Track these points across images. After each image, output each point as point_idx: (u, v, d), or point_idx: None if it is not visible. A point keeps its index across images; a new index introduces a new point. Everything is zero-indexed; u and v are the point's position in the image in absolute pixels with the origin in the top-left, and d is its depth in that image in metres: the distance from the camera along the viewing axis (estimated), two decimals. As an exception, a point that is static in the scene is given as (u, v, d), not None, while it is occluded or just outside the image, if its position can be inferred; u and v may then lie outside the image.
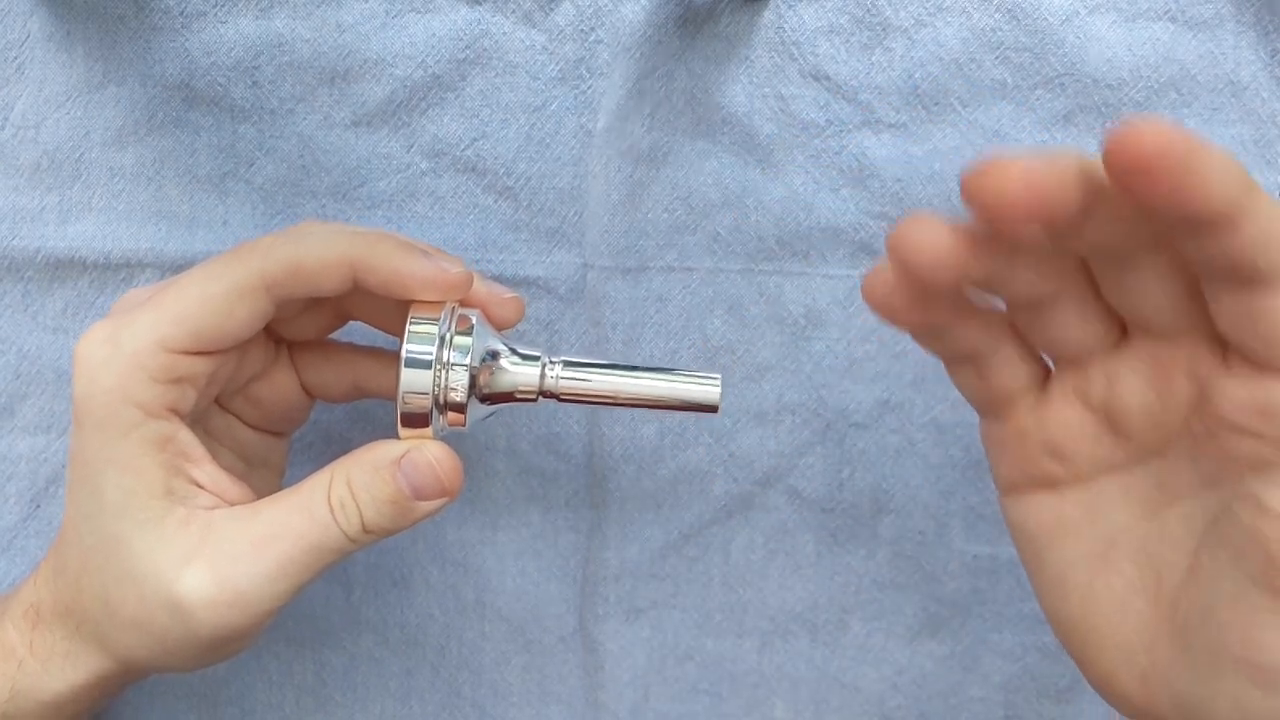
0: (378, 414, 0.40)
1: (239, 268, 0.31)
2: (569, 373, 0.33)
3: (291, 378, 0.36)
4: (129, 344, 0.31)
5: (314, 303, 0.35)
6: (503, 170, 0.40)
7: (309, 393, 0.37)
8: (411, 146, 0.40)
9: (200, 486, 0.32)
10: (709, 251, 0.41)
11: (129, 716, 0.42)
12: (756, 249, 0.40)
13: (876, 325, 0.41)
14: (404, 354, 0.31)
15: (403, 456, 0.32)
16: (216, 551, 0.31)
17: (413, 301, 0.32)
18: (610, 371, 0.33)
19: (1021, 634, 0.42)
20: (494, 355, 0.33)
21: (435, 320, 0.32)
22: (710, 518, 0.41)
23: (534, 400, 0.33)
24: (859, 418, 0.41)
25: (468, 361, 0.32)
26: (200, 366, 0.32)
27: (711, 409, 0.33)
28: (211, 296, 0.31)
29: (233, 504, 0.32)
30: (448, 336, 0.32)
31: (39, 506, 0.40)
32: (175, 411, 0.32)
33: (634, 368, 0.34)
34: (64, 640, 0.33)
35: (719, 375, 0.34)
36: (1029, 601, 0.42)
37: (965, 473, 0.41)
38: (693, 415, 0.40)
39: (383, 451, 0.32)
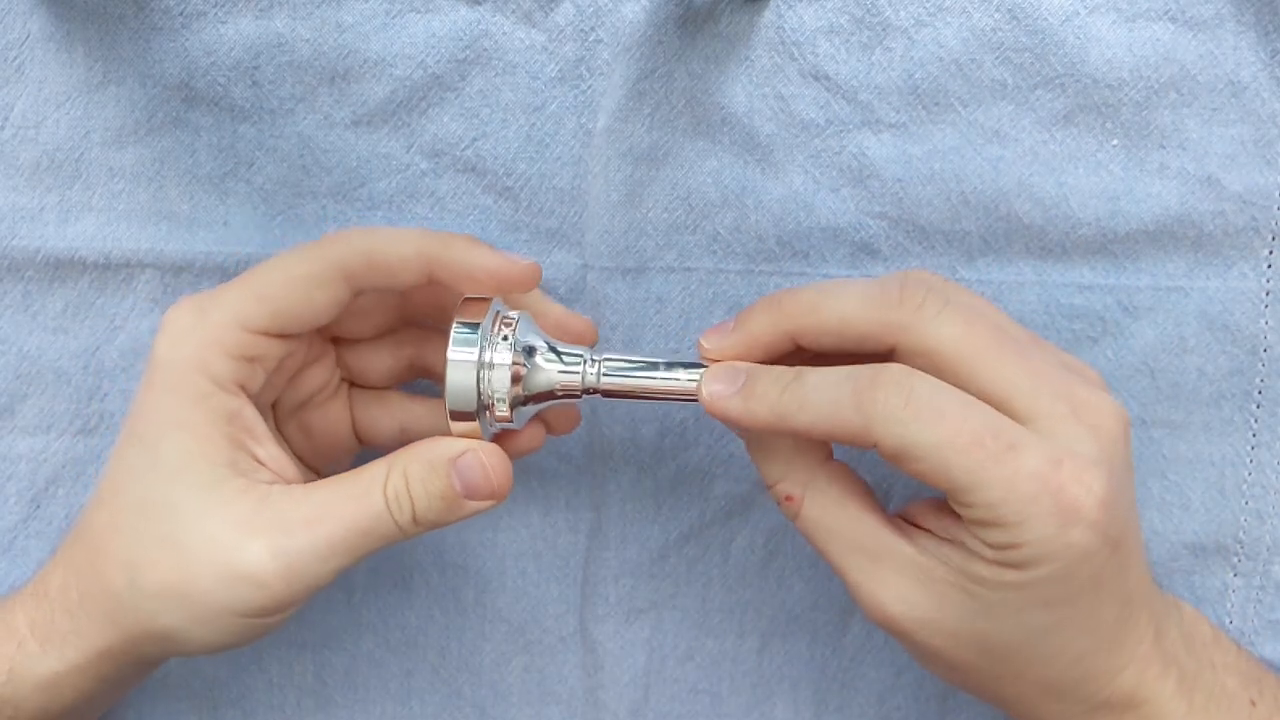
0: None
1: (322, 256, 0.33)
2: (610, 370, 0.34)
3: (345, 413, 0.38)
4: (213, 316, 0.33)
5: (380, 298, 0.37)
6: (503, 170, 0.40)
7: (358, 436, 0.38)
8: (411, 146, 0.40)
9: (261, 463, 0.34)
10: (709, 252, 0.41)
11: (130, 718, 0.42)
12: (756, 249, 0.40)
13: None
14: (449, 355, 0.32)
15: (458, 456, 0.33)
16: (272, 525, 0.32)
17: (461, 300, 0.34)
18: (650, 368, 0.35)
19: (1021, 634, 0.42)
20: (532, 352, 0.34)
21: (479, 322, 0.33)
22: (710, 518, 0.41)
23: (578, 397, 0.35)
24: (859, 418, 0.41)
25: (510, 361, 0.33)
26: (274, 349, 0.34)
27: None
28: (293, 280, 0.33)
29: (272, 469, 0.34)
30: (491, 337, 0.33)
31: (39, 506, 0.40)
32: (244, 389, 0.34)
33: (671, 363, 0.35)
34: (65, 617, 0.33)
35: None
36: (1029, 601, 0.42)
37: (965, 473, 0.41)
38: (692, 416, 0.41)
39: (440, 449, 0.33)
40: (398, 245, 0.34)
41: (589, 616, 0.41)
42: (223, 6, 0.38)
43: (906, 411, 0.30)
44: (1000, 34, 0.39)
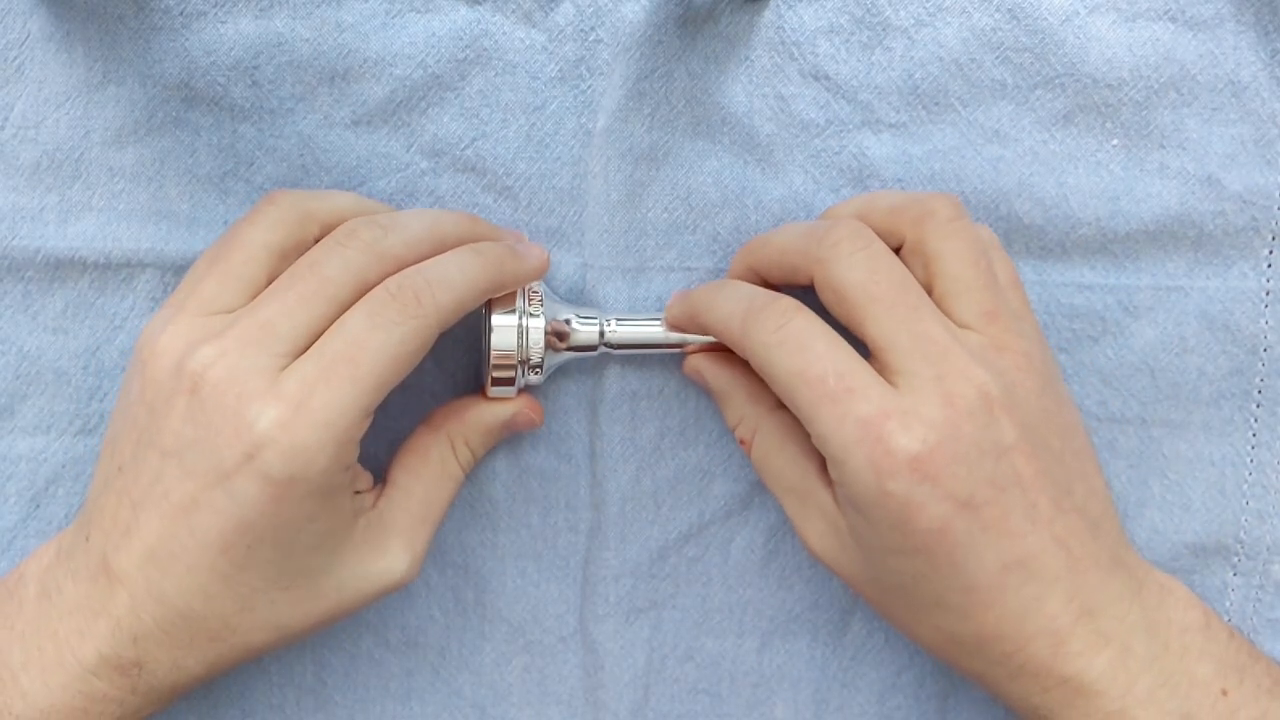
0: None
1: (423, 326, 0.33)
2: (623, 326, 0.39)
3: None
4: (339, 421, 0.32)
5: None
6: (502, 170, 0.40)
7: None
8: (411, 146, 0.39)
9: (360, 492, 0.36)
10: (709, 251, 0.41)
11: (129, 717, 0.42)
12: (756, 249, 0.40)
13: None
14: (492, 324, 0.37)
15: (510, 419, 0.39)
16: (396, 538, 0.36)
17: None
18: (655, 323, 0.39)
19: (1021, 634, 0.42)
20: (564, 319, 0.38)
21: (513, 295, 0.37)
22: (710, 518, 0.41)
23: (594, 351, 0.39)
24: (859, 418, 0.41)
25: (544, 326, 0.37)
26: None
27: None
28: (400, 358, 0.33)
29: (368, 490, 0.36)
30: (525, 307, 0.37)
31: (39, 507, 0.40)
32: None
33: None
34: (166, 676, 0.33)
35: None
36: (1029, 601, 0.42)
37: (965, 473, 0.41)
38: (692, 415, 0.41)
39: (493, 414, 0.39)
40: (475, 293, 0.35)
41: (589, 616, 0.41)
42: (223, 6, 0.38)
43: (775, 337, 0.33)
44: (1000, 34, 0.39)
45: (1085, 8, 0.39)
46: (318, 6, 0.38)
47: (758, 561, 0.42)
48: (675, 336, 0.39)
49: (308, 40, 0.39)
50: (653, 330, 0.39)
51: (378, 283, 0.34)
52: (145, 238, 0.39)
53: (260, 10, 0.38)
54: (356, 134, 0.39)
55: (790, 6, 0.39)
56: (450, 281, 0.34)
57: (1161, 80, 0.39)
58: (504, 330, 0.37)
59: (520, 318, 0.37)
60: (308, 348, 0.32)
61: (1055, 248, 0.40)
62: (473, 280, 0.35)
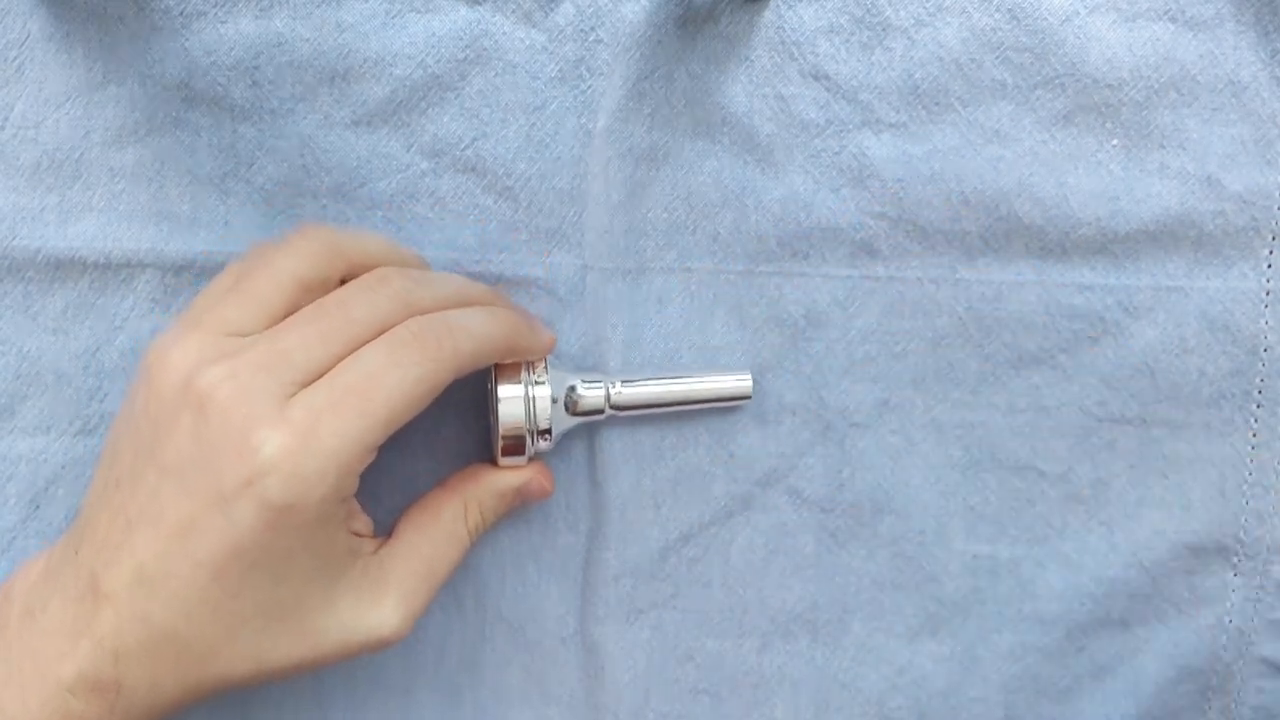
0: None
1: (440, 370, 0.33)
2: (629, 389, 0.40)
3: None
4: (343, 452, 0.32)
5: None
6: (503, 170, 0.40)
7: None
8: (411, 146, 0.40)
9: (360, 535, 0.35)
10: (709, 252, 0.41)
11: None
12: (756, 249, 0.40)
13: (876, 325, 0.41)
14: (499, 395, 0.37)
15: (523, 485, 0.39)
16: (394, 590, 0.35)
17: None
18: (660, 382, 0.40)
19: (1021, 634, 0.42)
20: (570, 385, 0.39)
21: (518, 365, 0.38)
22: (710, 518, 0.41)
23: (602, 415, 0.39)
24: (859, 418, 0.41)
25: (550, 394, 0.38)
26: None
27: (746, 398, 0.41)
28: (413, 398, 0.33)
29: (367, 535, 0.36)
30: (529, 376, 0.38)
31: (38, 508, 0.40)
32: None
33: (677, 377, 0.40)
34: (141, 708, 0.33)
35: (748, 371, 0.41)
36: (1029, 601, 0.42)
37: (965, 473, 0.41)
38: (691, 414, 0.41)
39: (506, 481, 0.39)
40: (492, 348, 0.36)
41: (589, 617, 0.41)
42: (223, 6, 0.38)
43: None
44: (1000, 34, 0.39)
45: (1085, 8, 0.39)
46: (318, 6, 0.38)
47: (758, 562, 0.42)
48: (680, 395, 0.40)
49: (308, 40, 0.39)
50: (658, 390, 0.40)
51: None
52: (145, 238, 0.39)
53: (260, 10, 0.38)
54: (356, 134, 0.39)
55: (790, 6, 0.39)
56: (471, 332, 0.34)
57: (1161, 80, 0.39)
58: (511, 401, 0.37)
59: (526, 387, 0.38)
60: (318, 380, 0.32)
61: (1055, 248, 0.40)
62: (492, 336, 0.35)
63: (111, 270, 0.39)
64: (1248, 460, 0.41)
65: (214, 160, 0.39)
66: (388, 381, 0.32)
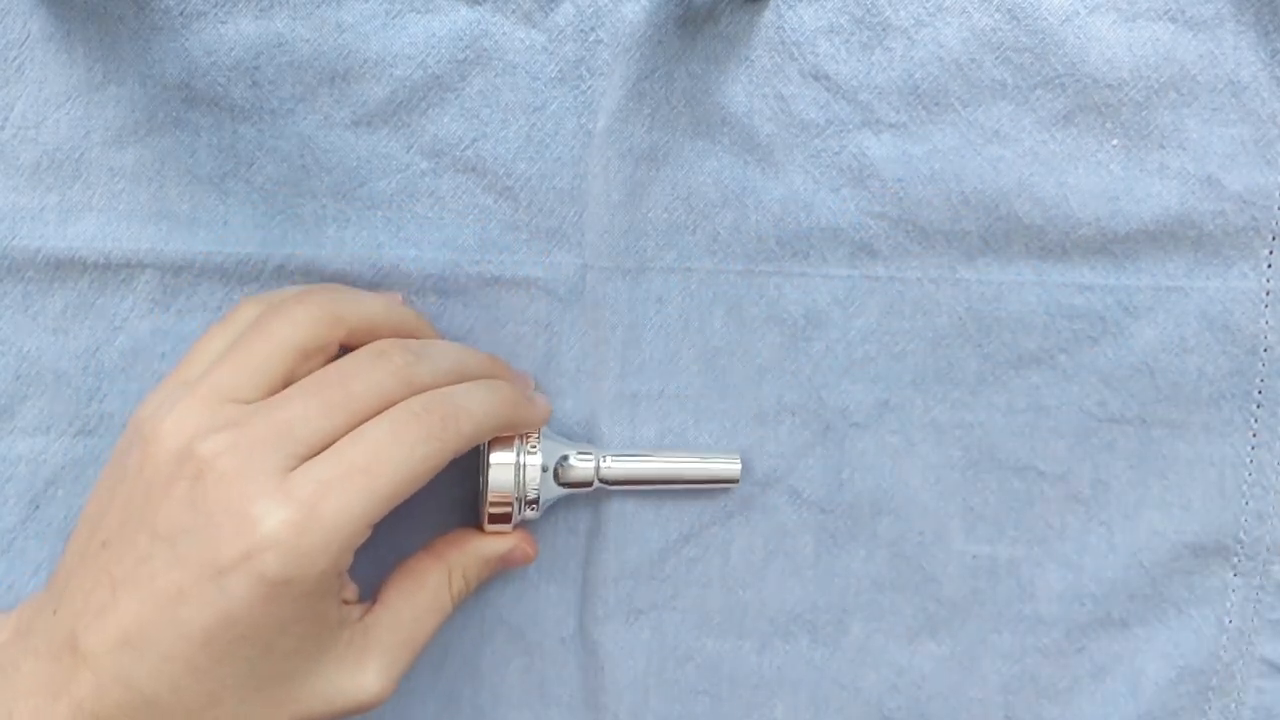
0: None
1: (443, 449, 0.33)
2: (618, 463, 0.40)
3: None
4: (347, 528, 0.31)
5: None
6: (503, 170, 0.40)
7: None
8: (411, 146, 0.40)
9: (348, 603, 0.35)
10: (709, 252, 0.41)
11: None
12: (756, 249, 0.40)
13: (876, 325, 0.41)
14: (490, 461, 0.38)
15: (507, 553, 0.39)
16: (378, 656, 0.35)
17: None
18: (650, 459, 0.41)
19: (1021, 634, 0.42)
20: (562, 456, 0.39)
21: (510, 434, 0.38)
22: (710, 518, 0.41)
23: (590, 487, 0.40)
24: (859, 418, 0.41)
25: (541, 464, 0.38)
26: None
27: (734, 481, 0.41)
28: (417, 477, 0.33)
29: (355, 602, 0.36)
30: (522, 445, 0.38)
31: (38, 508, 0.40)
32: None
33: (668, 452, 0.41)
34: None
35: (738, 455, 0.41)
36: (1029, 602, 0.42)
37: (965, 473, 0.41)
38: (691, 416, 0.41)
39: (490, 547, 0.39)
40: (491, 426, 0.36)
41: (588, 618, 0.41)
42: (223, 6, 0.38)
43: None
44: (1000, 34, 0.39)
45: (1085, 8, 0.39)
46: (318, 7, 0.38)
47: (757, 563, 0.42)
48: (671, 473, 0.40)
49: (308, 41, 0.39)
50: (649, 466, 0.40)
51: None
52: (145, 238, 0.39)
53: (260, 10, 0.38)
54: (356, 134, 0.39)
55: (790, 6, 0.39)
56: (473, 411, 0.34)
57: (1161, 80, 0.39)
58: (502, 468, 0.38)
59: (518, 455, 0.38)
60: (319, 454, 0.32)
61: (1055, 248, 0.40)
62: (493, 414, 0.35)
63: (111, 270, 0.39)
64: (1248, 460, 0.41)
65: (214, 160, 0.39)
66: (393, 459, 0.32)
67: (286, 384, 0.34)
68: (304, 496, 0.31)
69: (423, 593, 0.37)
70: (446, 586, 0.37)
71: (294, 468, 0.31)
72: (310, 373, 0.34)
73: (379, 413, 0.33)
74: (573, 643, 0.42)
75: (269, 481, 0.31)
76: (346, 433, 0.32)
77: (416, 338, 0.37)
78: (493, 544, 0.39)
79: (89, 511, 0.34)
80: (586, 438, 0.41)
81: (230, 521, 0.30)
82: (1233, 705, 0.42)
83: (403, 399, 0.34)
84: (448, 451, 0.33)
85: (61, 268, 0.39)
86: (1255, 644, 0.41)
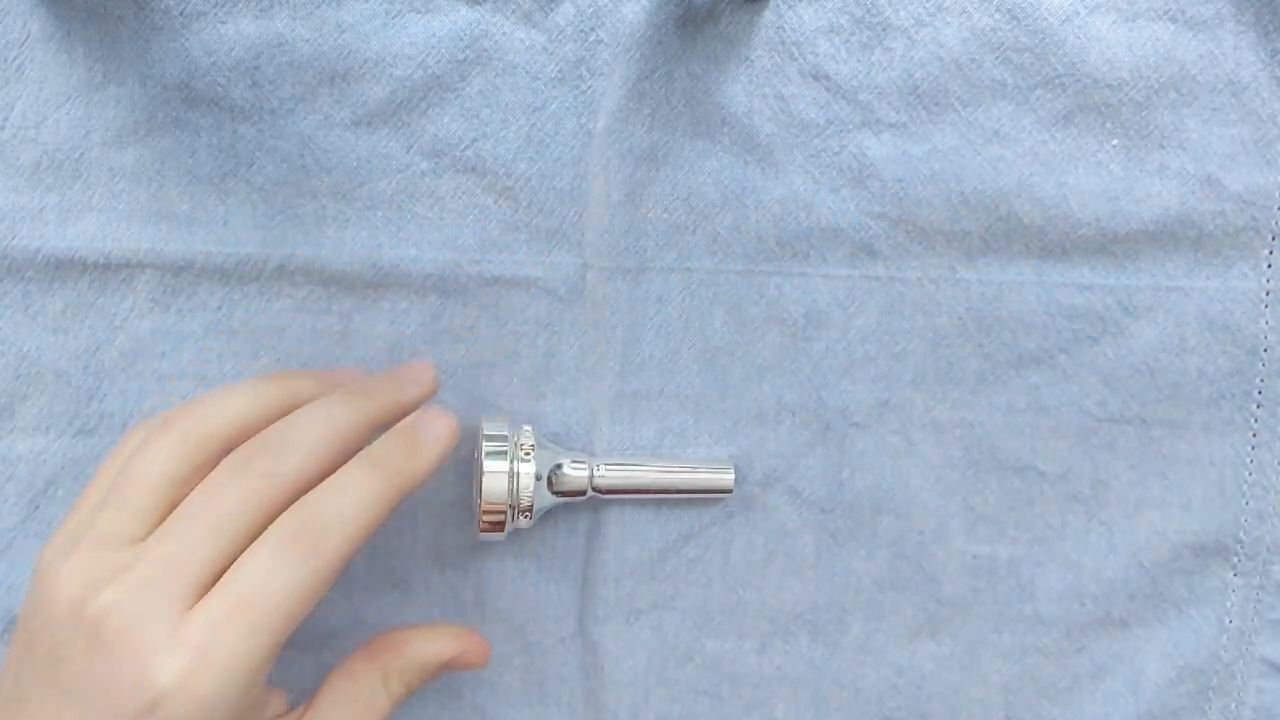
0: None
1: (325, 566, 0.32)
2: (611, 471, 0.40)
3: None
4: (242, 667, 0.31)
5: None
6: (503, 170, 0.40)
7: None
8: (411, 146, 0.40)
9: (279, 716, 0.35)
10: (709, 252, 0.41)
11: None
12: (756, 249, 0.40)
13: (876, 325, 0.41)
14: (484, 470, 0.37)
15: (452, 658, 0.38)
16: None
17: (482, 418, 0.39)
18: (643, 468, 0.40)
19: (1021, 634, 0.42)
20: (556, 464, 0.39)
21: (505, 439, 0.38)
22: (710, 518, 0.41)
23: (584, 496, 0.40)
24: (859, 418, 0.41)
25: (535, 472, 0.38)
26: None
27: (727, 491, 0.41)
28: (304, 600, 0.32)
29: (284, 712, 0.35)
30: (516, 453, 0.38)
31: (38, 508, 0.40)
32: None
33: (662, 461, 0.41)
34: None
35: (731, 464, 0.41)
36: (1029, 602, 0.42)
37: (965, 473, 0.41)
38: (691, 415, 0.41)
39: (433, 651, 0.38)
40: (375, 518, 0.34)
41: (588, 617, 0.41)
42: (223, 6, 0.38)
43: None
44: (1000, 34, 0.39)
45: (1085, 8, 0.39)
46: (318, 7, 0.38)
47: (758, 562, 0.42)
48: (664, 482, 0.40)
49: (308, 41, 0.39)
50: (643, 475, 0.40)
51: (282, 507, 0.33)
52: (145, 238, 0.39)
53: (260, 10, 0.38)
54: (356, 134, 0.39)
55: (790, 6, 0.39)
56: (346, 519, 0.33)
57: (1161, 80, 0.39)
58: (495, 477, 0.38)
59: (511, 463, 0.38)
60: (214, 582, 0.32)
61: (1055, 248, 0.40)
62: (371, 505, 0.34)
63: (111, 270, 0.39)
64: (1248, 460, 0.41)
65: (214, 160, 0.39)
66: (274, 588, 0.31)
67: (171, 511, 0.33)
68: (196, 643, 0.30)
69: (356, 700, 0.36)
70: (383, 691, 0.37)
71: (189, 605, 0.31)
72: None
73: (262, 522, 0.32)
74: (573, 642, 0.42)
75: (162, 629, 0.31)
76: (233, 553, 0.32)
77: (294, 408, 0.35)
78: (436, 648, 0.38)
79: (7, 664, 0.34)
80: (586, 437, 0.41)
81: (129, 677, 0.30)
82: (1233, 705, 0.42)
83: (281, 501, 0.33)
84: (332, 566, 0.32)
85: (61, 268, 0.39)
86: (1255, 644, 0.41)
